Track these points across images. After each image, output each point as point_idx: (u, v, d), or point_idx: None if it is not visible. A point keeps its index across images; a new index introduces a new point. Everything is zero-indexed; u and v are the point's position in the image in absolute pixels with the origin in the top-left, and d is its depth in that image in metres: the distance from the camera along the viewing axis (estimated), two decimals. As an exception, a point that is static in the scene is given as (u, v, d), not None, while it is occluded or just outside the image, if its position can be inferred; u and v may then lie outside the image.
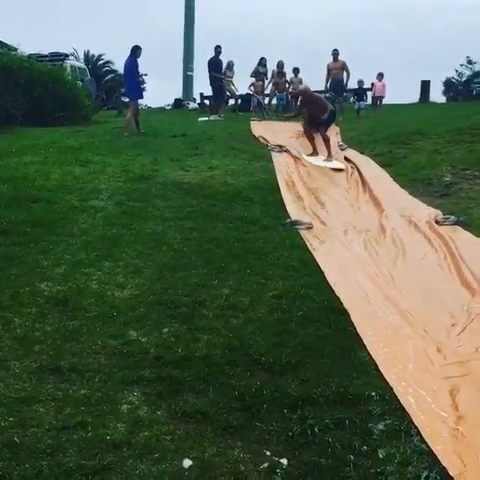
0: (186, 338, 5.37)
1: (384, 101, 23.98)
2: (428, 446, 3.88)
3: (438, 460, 3.73)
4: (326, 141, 13.64)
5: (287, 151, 14.35)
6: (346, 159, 13.32)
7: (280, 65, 23.88)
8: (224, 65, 22.18)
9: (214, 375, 4.75)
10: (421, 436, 3.99)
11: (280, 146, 14.86)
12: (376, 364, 4.91)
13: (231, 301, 6.13)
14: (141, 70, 17.34)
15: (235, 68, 23.11)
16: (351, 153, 14.00)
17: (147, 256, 7.37)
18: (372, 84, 23.74)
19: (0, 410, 4.23)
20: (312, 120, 13.99)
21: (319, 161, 13.20)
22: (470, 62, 47.51)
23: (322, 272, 6.93)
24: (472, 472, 3.60)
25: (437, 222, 8.73)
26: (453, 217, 8.83)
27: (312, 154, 13.82)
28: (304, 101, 14.85)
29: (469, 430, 4.05)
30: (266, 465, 3.76)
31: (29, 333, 5.37)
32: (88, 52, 44.69)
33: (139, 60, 17.03)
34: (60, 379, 4.69)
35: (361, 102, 23.02)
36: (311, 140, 14.15)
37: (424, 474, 3.63)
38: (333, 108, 14.01)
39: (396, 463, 3.75)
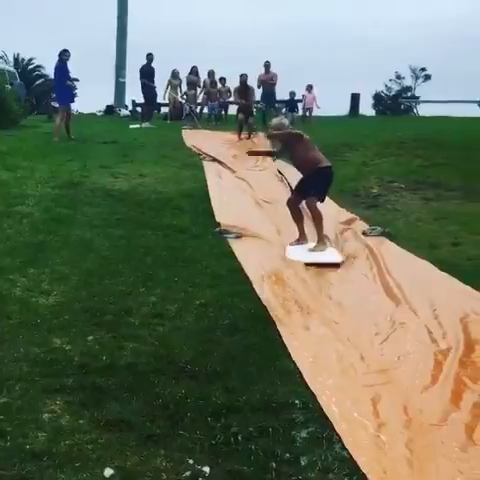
0: (111, 346, 5.31)
1: (315, 113, 24.33)
2: (349, 453, 3.93)
3: (359, 467, 3.78)
4: (316, 218, 8.58)
5: (219, 161, 14.40)
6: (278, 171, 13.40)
7: (211, 74, 24.02)
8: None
9: (139, 383, 4.71)
10: (343, 444, 4.04)
11: (211, 156, 14.90)
12: (301, 373, 4.95)
13: (158, 309, 6.11)
14: (73, 75, 17.20)
15: (181, 76, 23.26)
16: (282, 164, 14.10)
17: (74, 263, 7.28)
18: (303, 96, 24.07)
19: None
20: (301, 182, 8.90)
21: (306, 254, 8.28)
22: (399, 77, 48.53)
23: (250, 281, 6.96)
24: (392, 479, 3.65)
25: (364, 233, 8.88)
26: (379, 228, 9.01)
27: (298, 241, 8.68)
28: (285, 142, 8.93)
29: (389, 437, 4.11)
30: (188, 473, 3.74)
31: None
32: (18, 55, 44.07)
33: (70, 65, 16.89)
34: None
35: (293, 113, 23.30)
36: (297, 219, 8.85)
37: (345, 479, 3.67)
38: (329, 164, 8.81)
39: (317, 470, 3.78)
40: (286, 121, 9.30)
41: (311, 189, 8.57)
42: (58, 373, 4.81)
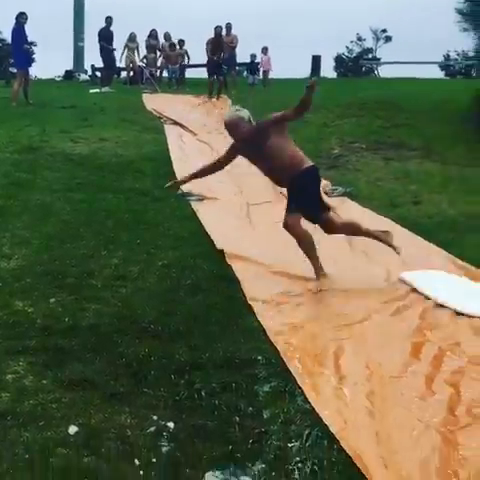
0: (73, 308, 5.30)
1: (274, 75, 24.25)
2: (312, 406, 3.99)
3: (321, 419, 3.84)
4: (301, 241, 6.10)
5: (180, 124, 14.32)
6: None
7: (167, 37, 23.72)
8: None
9: (102, 344, 4.72)
10: (305, 396, 4.10)
11: (173, 119, 14.80)
12: (264, 330, 5.00)
13: (120, 271, 6.10)
14: (30, 39, 16.89)
15: (138, 39, 22.95)
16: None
17: (35, 227, 7.23)
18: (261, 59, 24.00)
19: None
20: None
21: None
22: (360, 39, 48.49)
23: (212, 242, 6.98)
24: (352, 429, 3.72)
25: (326, 193, 8.91)
26: (341, 188, 9.06)
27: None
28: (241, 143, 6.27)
29: (351, 390, 4.18)
30: (153, 429, 3.77)
31: None
32: (-26, 20, 43.04)
33: (28, 29, 16.56)
34: None
35: (254, 76, 23.21)
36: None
37: (306, 432, 3.72)
38: (312, 164, 6.21)
39: (280, 423, 3.83)
40: (244, 113, 6.21)
41: (298, 201, 6.00)
42: (21, 335, 4.80)
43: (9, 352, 4.55)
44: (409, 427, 3.73)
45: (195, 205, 8.57)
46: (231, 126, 6.14)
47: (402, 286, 5.87)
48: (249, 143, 6.10)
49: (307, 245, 6.00)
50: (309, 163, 6.14)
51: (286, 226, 6.02)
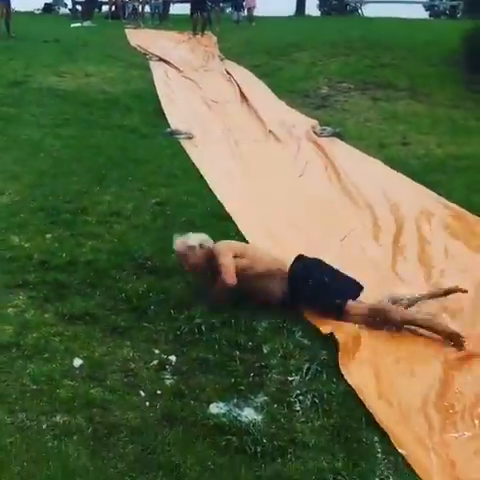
0: (70, 243, 5.33)
1: (258, 13, 23.91)
2: (310, 340, 4.09)
3: (319, 353, 3.94)
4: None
5: (165, 60, 14.15)
6: (226, 71, 13.23)
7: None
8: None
9: (100, 279, 4.76)
10: (303, 331, 4.19)
11: (158, 55, 14.62)
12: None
13: (114, 208, 6.11)
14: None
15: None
16: (229, 64, 13.97)
17: (25, 162, 7.19)
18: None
19: None
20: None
21: None
22: (345, -23, 47.69)
23: (204, 180, 6.99)
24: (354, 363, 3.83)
25: (315, 133, 8.92)
26: (330, 128, 9.04)
27: None
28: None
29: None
30: (156, 362, 3.86)
31: None
32: None
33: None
34: None
35: (239, 13, 22.88)
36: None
37: (306, 366, 3.82)
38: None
39: (279, 357, 3.93)
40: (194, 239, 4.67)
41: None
42: (19, 270, 4.83)
43: (9, 286, 4.60)
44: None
45: (184, 143, 8.53)
46: (180, 256, 4.72)
47: None
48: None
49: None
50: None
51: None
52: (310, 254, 4.86)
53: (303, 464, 3.03)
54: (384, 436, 3.25)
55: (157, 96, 10.82)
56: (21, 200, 6.12)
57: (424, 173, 7.48)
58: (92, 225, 5.72)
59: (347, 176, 7.13)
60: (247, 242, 5.33)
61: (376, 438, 3.24)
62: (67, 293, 4.55)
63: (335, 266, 4.68)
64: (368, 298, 4.54)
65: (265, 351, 4.00)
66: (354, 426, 3.31)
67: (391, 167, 7.56)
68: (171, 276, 4.87)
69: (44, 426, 3.22)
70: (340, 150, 8.19)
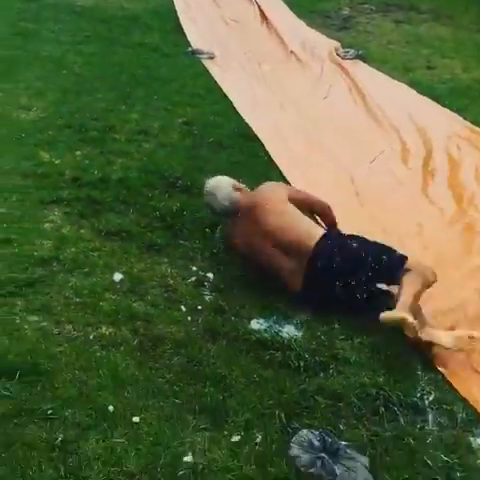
0: (100, 161, 5.33)
1: None
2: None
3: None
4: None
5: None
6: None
7: None
8: None
9: (133, 197, 4.79)
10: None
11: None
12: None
13: (141, 126, 6.08)
14: None
15: None
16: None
17: (48, 79, 7.11)
18: None
19: None
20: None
21: None
22: None
23: (228, 100, 6.93)
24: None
25: (338, 55, 8.77)
26: (353, 51, 8.89)
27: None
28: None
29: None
30: (194, 279, 3.91)
31: None
32: None
33: None
34: (-25, 198, 4.61)
35: None
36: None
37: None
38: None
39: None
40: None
41: None
42: (52, 186, 4.86)
43: (43, 202, 4.63)
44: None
45: (206, 62, 8.42)
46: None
47: None
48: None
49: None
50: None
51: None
52: (340, 178, 4.90)
53: (345, 379, 3.12)
54: (422, 354, 3.33)
55: (176, 13, 10.60)
56: (48, 117, 6.09)
57: (450, 97, 7.39)
58: (121, 143, 5.71)
59: (372, 99, 7.03)
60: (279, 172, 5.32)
61: (415, 356, 3.32)
62: (101, 210, 4.59)
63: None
64: (400, 223, 4.60)
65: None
66: (392, 344, 3.38)
67: (417, 91, 7.47)
68: (203, 196, 4.88)
69: (91, 337, 3.30)
70: (364, 73, 8.06)
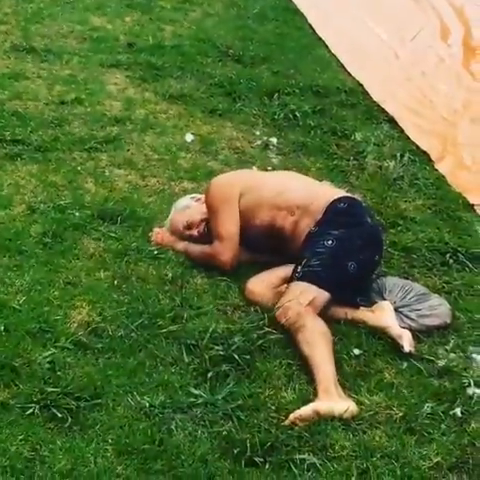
0: (151, 27, 5.42)
1: None
2: (399, 132, 4.34)
3: (410, 143, 4.21)
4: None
5: None
6: None
7: None
8: None
9: (189, 63, 4.91)
10: (390, 123, 4.43)
11: None
12: (338, 61, 5.21)
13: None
14: None
15: None
16: None
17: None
18: None
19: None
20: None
21: None
22: None
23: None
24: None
25: None
26: None
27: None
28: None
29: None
30: (259, 142, 4.11)
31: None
32: None
33: None
34: (39, 59, 4.72)
35: None
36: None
37: (398, 153, 4.08)
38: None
39: (373, 144, 4.17)
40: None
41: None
42: (109, 50, 4.97)
43: (103, 65, 4.75)
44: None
45: None
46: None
47: None
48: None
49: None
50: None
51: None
52: (385, 53, 5.08)
53: (414, 234, 3.37)
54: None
55: None
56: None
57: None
58: (168, 10, 5.78)
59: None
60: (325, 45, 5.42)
61: (474, 218, 3.59)
62: (161, 75, 4.72)
63: None
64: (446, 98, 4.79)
65: (358, 138, 4.23)
66: (452, 207, 3.64)
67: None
68: (255, 65, 5.02)
69: (176, 190, 3.52)
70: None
